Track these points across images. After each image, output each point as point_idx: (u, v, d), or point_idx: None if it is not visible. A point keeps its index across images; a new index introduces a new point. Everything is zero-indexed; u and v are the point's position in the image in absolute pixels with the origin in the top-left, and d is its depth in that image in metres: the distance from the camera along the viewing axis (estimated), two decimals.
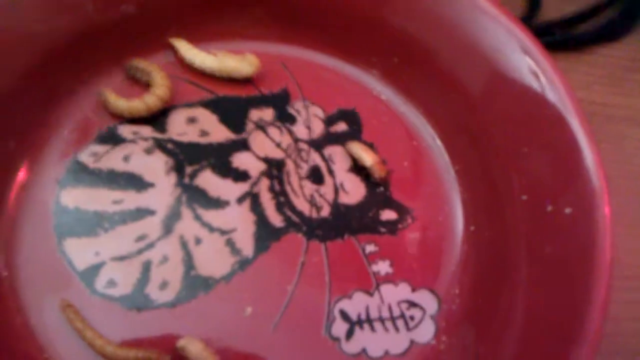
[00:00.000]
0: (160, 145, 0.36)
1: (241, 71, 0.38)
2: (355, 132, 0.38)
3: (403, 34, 0.38)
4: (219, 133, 0.37)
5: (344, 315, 0.33)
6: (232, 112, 0.38)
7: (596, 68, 0.44)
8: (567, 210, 0.30)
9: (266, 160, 0.37)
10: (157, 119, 0.37)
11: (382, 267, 0.34)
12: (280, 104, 0.39)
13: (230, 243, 0.34)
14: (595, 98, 0.43)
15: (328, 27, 0.40)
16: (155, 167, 0.36)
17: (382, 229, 0.36)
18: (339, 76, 0.40)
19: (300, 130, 0.38)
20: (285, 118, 0.38)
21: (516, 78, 0.34)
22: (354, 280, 0.34)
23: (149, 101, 0.36)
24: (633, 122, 0.42)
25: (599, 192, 0.30)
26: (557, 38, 0.45)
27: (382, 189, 0.37)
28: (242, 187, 0.36)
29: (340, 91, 0.40)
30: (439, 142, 0.39)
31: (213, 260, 0.34)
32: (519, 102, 0.34)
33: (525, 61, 0.33)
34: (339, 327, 0.33)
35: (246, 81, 0.39)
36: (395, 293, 0.34)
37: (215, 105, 0.38)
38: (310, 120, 0.38)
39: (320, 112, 0.39)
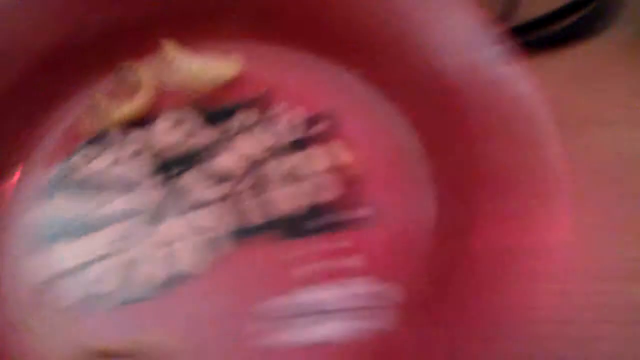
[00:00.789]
0: (148, 147, 0.38)
1: (225, 73, 0.40)
2: (333, 132, 0.39)
3: (383, 33, 0.39)
4: (204, 135, 0.39)
5: (313, 308, 0.34)
6: (216, 114, 0.40)
7: (567, 66, 0.44)
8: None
9: (248, 161, 0.38)
10: (144, 122, 0.39)
11: (353, 261, 0.35)
12: (262, 105, 0.40)
13: (210, 241, 0.36)
14: (564, 96, 0.42)
15: (308, 27, 0.40)
16: (141, 169, 0.37)
17: (355, 226, 0.36)
18: (319, 76, 0.41)
19: (281, 131, 0.39)
20: (267, 119, 0.40)
21: (499, 80, 0.35)
22: (325, 275, 0.35)
23: (137, 105, 0.38)
24: (603, 120, 0.42)
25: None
26: (531, 37, 0.45)
27: (357, 187, 0.38)
28: (224, 188, 0.37)
29: (320, 91, 0.40)
30: (416, 141, 0.39)
31: (193, 258, 0.35)
32: (502, 101, 0.35)
33: (500, 59, 0.35)
34: (307, 320, 0.34)
35: (229, 83, 0.40)
36: (362, 286, 0.35)
37: (200, 108, 0.40)
38: (291, 121, 0.40)
39: (300, 113, 0.40)
